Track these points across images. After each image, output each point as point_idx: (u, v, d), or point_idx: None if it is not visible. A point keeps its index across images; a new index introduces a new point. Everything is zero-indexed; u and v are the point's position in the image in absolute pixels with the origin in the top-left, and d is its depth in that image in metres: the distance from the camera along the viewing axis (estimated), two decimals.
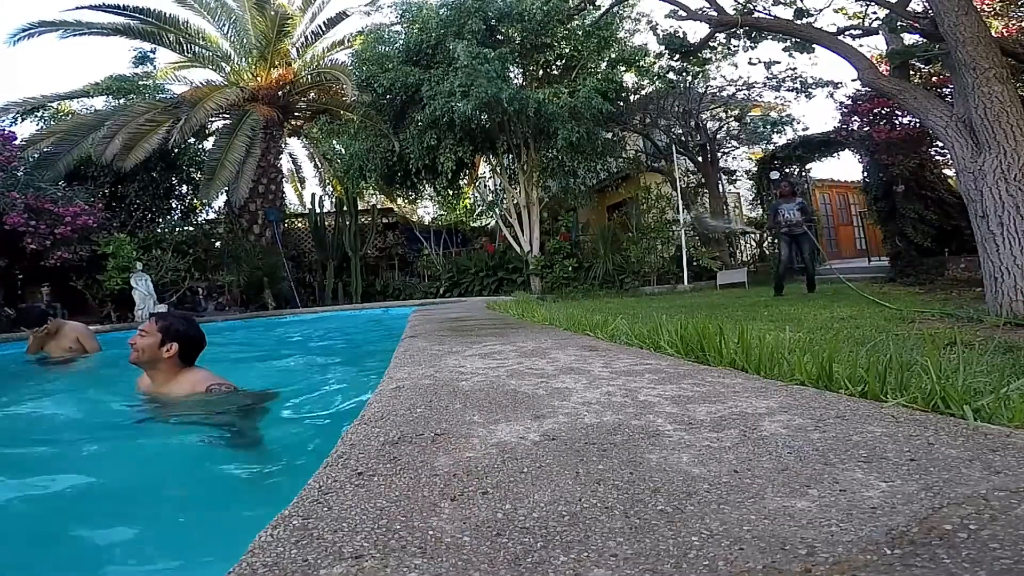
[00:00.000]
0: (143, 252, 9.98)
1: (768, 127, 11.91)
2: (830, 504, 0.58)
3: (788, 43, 7.61)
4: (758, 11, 7.64)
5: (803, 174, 11.99)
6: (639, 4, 11.78)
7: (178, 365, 2.48)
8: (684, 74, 11.18)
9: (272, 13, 12.21)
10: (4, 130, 10.01)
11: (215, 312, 10.55)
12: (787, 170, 11.17)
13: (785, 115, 12.00)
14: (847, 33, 6.63)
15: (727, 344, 1.64)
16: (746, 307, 5.75)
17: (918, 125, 6.81)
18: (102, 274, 9.34)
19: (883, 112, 7.67)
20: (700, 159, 12.18)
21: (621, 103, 11.57)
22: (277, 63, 12.79)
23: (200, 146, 12.90)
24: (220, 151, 11.02)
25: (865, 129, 7.98)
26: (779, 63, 10.44)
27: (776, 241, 7.89)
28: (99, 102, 12.70)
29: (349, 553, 0.53)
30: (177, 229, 12.16)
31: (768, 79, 10.82)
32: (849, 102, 8.31)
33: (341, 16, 13.65)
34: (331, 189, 15.93)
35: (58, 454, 2.12)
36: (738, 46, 9.01)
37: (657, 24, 11.37)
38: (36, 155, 10.47)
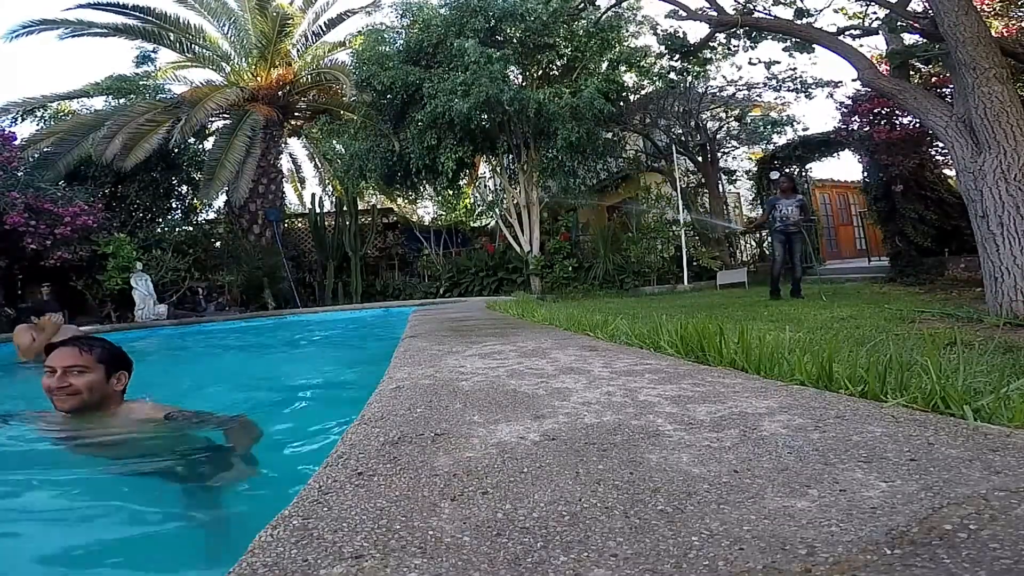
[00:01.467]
0: (143, 252, 9.99)
1: (768, 127, 11.90)
2: (830, 504, 0.58)
3: (788, 43, 7.61)
4: (758, 11, 7.64)
5: (803, 174, 12.00)
6: (643, 8, 11.74)
7: (120, 399, 2.03)
8: (684, 74, 11.17)
9: (273, 14, 12.22)
10: (4, 130, 10.01)
11: (215, 312, 10.55)
12: (787, 170, 11.16)
13: (785, 115, 12.00)
14: (847, 33, 6.63)
15: (727, 344, 1.64)
16: (746, 307, 5.75)
17: (918, 125, 6.80)
18: (102, 274, 9.35)
19: (883, 112, 7.66)
20: (700, 159, 12.18)
21: (621, 103, 11.58)
22: (277, 63, 12.80)
23: (200, 146, 12.91)
24: (220, 151, 11.02)
25: (865, 129, 7.98)
26: (779, 63, 10.44)
27: (771, 239, 7.73)
28: (99, 102, 12.72)
29: (349, 553, 0.53)
30: (177, 229, 12.16)
31: (768, 79, 10.82)
32: (849, 102, 8.31)
33: (342, 17, 13.66)
34: (331, 189, 15.92)
35: None
36: (738, 46, 9.01)
37: (657, 24, 11.38)
38: (36, 155, 10.47)
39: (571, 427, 0.93)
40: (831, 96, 11.31)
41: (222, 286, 11.41)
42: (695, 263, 11.04)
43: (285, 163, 15.07)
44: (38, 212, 8.42)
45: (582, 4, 10.36)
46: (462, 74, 9.59)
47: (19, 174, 9.28)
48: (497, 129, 10.77)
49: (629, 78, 11.96)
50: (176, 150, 11.52)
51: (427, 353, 2.10)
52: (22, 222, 8.14)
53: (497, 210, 12.89)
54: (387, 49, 11.14)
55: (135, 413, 2.01)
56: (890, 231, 8.24)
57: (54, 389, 1.88)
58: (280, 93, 13.00)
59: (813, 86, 10.78)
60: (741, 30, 7.98)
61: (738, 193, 13.71)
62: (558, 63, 11.64)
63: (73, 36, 11.42)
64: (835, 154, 11.01)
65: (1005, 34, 7.16)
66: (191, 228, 12.73)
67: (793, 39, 7.22)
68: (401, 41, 11.27)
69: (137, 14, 11.75)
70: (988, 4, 7.45)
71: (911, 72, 7.63)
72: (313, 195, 14.43)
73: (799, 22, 7.06)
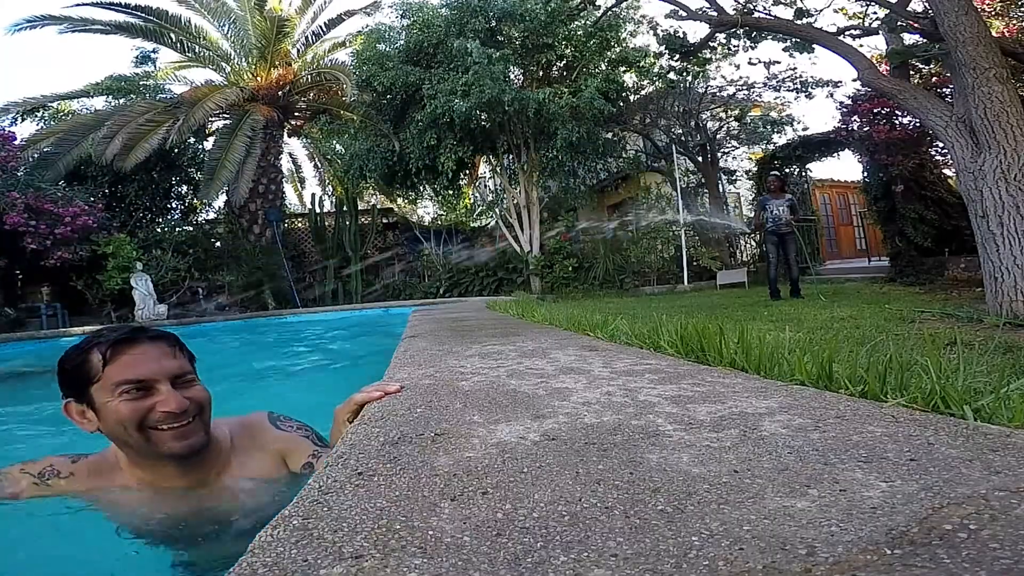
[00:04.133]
0: (143, 252, 10.00)
1: (768, 127, 11.91)
2: (830, 504, 0.58)
3: (788, 43, 7.61)
4: (758, 11, 7.64)
5: (803, 174, 12.00)
6: (641, 7, 11.74)
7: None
8: (684, 74, 11.18)
9: (273, 14, 12.22)
10: (4, 130, 10.03)
11: (215, 312, 10.55)
12: (787, 170, 11.17)
13: (785, 115, 12.00)
14: (847, 33, 6.63)
15: (727, 344, 1.64)
16: (746, 307, 5.76)
17: (918, 125, 6.80)
18: (102, 274, 9.35)
19: (883, 112, 7.66)
20: (700, 159, 12.19)
21: (621, 103, 11.58)
22: (277, 63, 12.80)
23: (200, 146, 12.92)
24: (220, 151, 11.03)
25: (865, 129, 7.98)
26: (779, 63, 10.47)
27: (764, 240, 7.70)
28: (99, 102, 12.74)
29: (349, 553, 0.53)
30: (177, 229, 12.18)
31: (768, 79, 10.83)
32: (849, 102, 8.31)
33: (342, 17, 13.67)
34: (331, 189, 15.93)
35: None
36: (738, 46, 9.01)
37: (657, 24, 11.39)
38: (36, 155, 10.49)
39: (571, 427, 0.93)
40: (831, 96, 11.33)
41: (222, 286, 11.42)
42: (695, 263, 11.04)
43: (285, 163, 15.10)
44: (38, 212, 8.43)
45: (581, 4, 10.37)
46: (463, 75, 9.60)
47: (19, 174, 9.30)
48: (497, 129, 10.78)
49: (629, 78, 11.97)
50: (176, 150, 11.53)
51: (427, 353, 2.09)
52: (22, 222, 8.15)
53: (497, 210, 12.89)
54: (387, 49, 11.15)
55: (250, 451, 1.25)
56: (890, 231, 8.24)
57: (174, 414, 1.09)
58: (280, 93, 13.00)
59: (813, 86, 10.79)
60: (741, 30, 7.97)
61: (738, 193, 13.72)
62: (558, 64, 11.65)
63: (74, 31, 11.45)
64: (835, 154, 11.02)
65: (1005, 34, 7.16)
66: (191, 228, 12.75)
67: (793, 39, 7.22)
68: (401, 41, 11.29)
69: (138, 13, 11.76)
70: (988, 4, 7.45)
71: (911, 72, 7.63)
72: (313, 195, 14.47)
73: (799, 22, 7.06)
